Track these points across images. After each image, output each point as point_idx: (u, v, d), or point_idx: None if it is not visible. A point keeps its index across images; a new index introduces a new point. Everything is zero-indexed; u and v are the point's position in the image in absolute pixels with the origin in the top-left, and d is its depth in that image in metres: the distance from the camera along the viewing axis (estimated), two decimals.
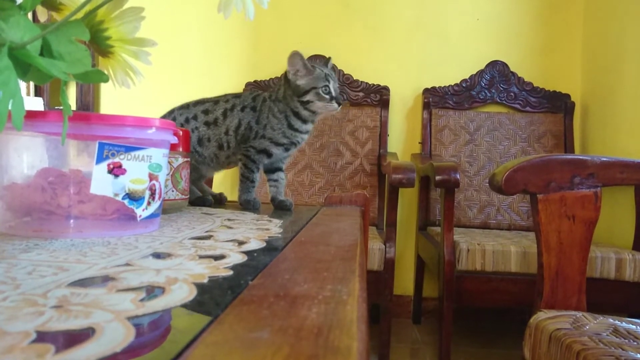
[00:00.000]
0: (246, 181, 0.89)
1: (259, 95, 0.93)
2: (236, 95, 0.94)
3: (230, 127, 0.90)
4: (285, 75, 0.90)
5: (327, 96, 0.88)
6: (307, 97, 0.87)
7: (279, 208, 0.87)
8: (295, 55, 0.88)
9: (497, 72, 2.28)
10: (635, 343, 0.75)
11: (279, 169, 0.94)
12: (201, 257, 0.39)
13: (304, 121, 0.90)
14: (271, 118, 0.90)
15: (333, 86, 0.89)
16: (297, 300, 0.28)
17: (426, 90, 2.27)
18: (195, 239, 0.48)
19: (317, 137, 2.22)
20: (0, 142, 0.48)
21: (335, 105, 0.88)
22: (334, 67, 0.93)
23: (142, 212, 0.50)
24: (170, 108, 0.93)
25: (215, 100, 0.93)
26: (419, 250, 2.16)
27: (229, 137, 0.90)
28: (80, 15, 0.41)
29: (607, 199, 1.94)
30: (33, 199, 0.47)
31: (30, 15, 0.40)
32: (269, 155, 0.90)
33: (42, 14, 0.48)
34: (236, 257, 0.40)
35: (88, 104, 2.36)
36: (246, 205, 0.87)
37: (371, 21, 2.36)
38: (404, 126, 2.36)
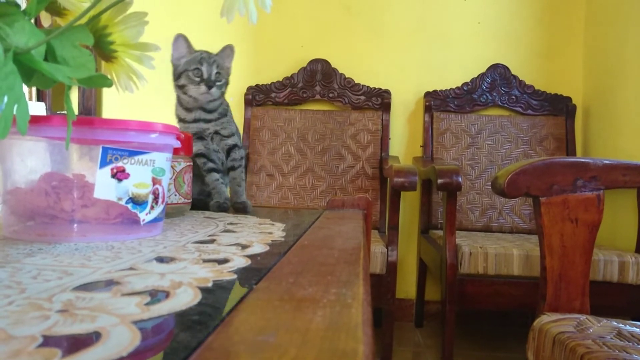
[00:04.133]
0: (206, 187, 0.90)
1: None
2: None
3: None
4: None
5: (197, 79, 0.86)
6: (182, 81, 0.87)
7: (236, 211, 0.86)
8: (177, 39, 0.88)
9: (498, 75, 2.28)
10: (639, 346, 0.75)
11: (231, 169, 0.91)
12: (205, 261, 0.39)
13: (188, 109, 0.89)
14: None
15: (207, 69, 0.86)
16: (302, 303, 0.28)
17: (427, 94, 2.28)
18: (199, 243, 0.48)
19: (318, 140, 2.23)
20: (3, 147, 0.48)
21: (204, 87, 0.86)
22: (229, 53, 0.92)
23: (145, 216, 0.50)
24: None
25: None
26: (421, 254, 2.16)
27: None
28: (84, 20, 0.41)
29: (610, 201, 1.94)
30: (36, 203, 0.47)
31: (32, 20, 0.40)
32: (201, 155, 0.89)
33: (46, 19, 0.48)
34: (240, 261, 0.40)
35: (90, 109, 2.36)
36: (216, 208, 0.85)
37: (372, 25, 2.37)
38: (405, 129, 2.36)
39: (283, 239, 0.53)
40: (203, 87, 0.86)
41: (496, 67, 2.28)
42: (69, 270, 0.34)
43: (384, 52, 2.37)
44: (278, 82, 2.30)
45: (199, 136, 0.89)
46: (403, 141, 2.36)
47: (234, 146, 0.92)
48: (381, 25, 2.37)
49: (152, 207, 0.51)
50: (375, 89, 2.29)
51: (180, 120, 0.90)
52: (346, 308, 0.27)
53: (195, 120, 0.89)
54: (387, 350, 1.66)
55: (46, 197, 0.47)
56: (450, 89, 2.28)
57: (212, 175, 0.88)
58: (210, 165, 0.89)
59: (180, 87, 0.88)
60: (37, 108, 2.06)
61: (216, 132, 0.90)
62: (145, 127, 0.50)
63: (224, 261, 0.39)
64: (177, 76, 0.88)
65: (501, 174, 0.95)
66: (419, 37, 2.36)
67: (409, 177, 1.63)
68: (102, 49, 0.47)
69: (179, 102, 0.90)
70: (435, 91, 2.28)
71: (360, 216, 0.80)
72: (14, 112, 0.33)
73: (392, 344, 1.67)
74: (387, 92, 2.28)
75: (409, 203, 2.31)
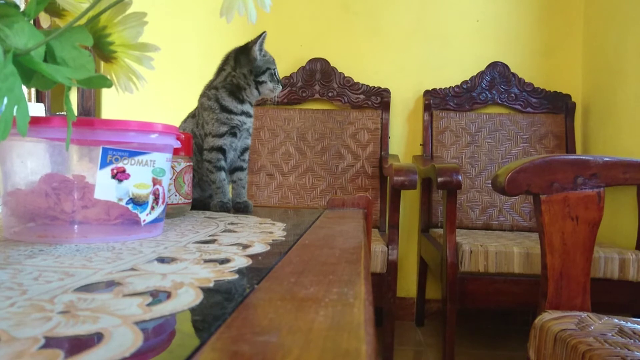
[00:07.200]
0: (211, 184, 0.89)
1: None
2: None
3: None
4: (235, 55, 0.91)
5: (276, 78, 0.93)
6: (263, 78, 0.90)
7: (237, 211, 0.85)
8: (265, 36, 0.92)
9: (497, 73, 2.28)
10: None
11: (238, 169, 0.92)
12: (206, 261, 0.39)
13: (241, 101, 0.90)
14: (203, 113, 0.90)
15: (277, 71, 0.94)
16: (304, 303, 0.28)
17: (427, 92, 2.28)
18: (200, 243, 0.48)
19: (318, 140, 2.23)
20: (4, 148, 0.48)
21: (280, 87, 0.93)
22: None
23: (146, 216, 0.50)
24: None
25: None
26: (421, 252, 2.16)
27: None
28: (83, 21, 0.41)
29: (610, 199, 1.94)
30: (37, 205, 0.47)
31: (31, 21, 0.40)
32: (220, 150, 0.88)
33: (45, 20, 0.48)
34: (241, 261, 0.40)
35: (89, 109, 2.36)
36: (219, 208, 0.85)
37: (371, 24, 2.37)
38: (405, 128, 2.36)
39: (284, 238, 0.53)
40: (280, 87, 0.93)
41: (495, 65, 2.28)
42: (70, 271, 0.34)
43: (383, 50, 2.36)
44: None
45: (233, 131, 0.89)
46: (403, 140, 2.36)
47: (248, 147, 0.93)
48: (380, 23, 2.36)
49: (152, 208, 0.51)
50: (374, 87, 2.29)
51: (226, 110, 0.88)
52: (348, 307, 0.27)
53: (242, 113, 0.90)
54: (388, 350, 1.66)
55: (46, 198, 0.47)
56: (450, 87, 2.28)
57: (220, 174, 0.88)
58: (223, 163, 0.89)
59: (259, 83, 0.90)
60: (37, 109, 2.06)
61: (247, 129, 0.92)
62: (145, 128, 0.50)
63: (225, 261, 0.39)
64: (260, 72, 0.90)
65: (501, 172, 0.95)
66: (418, 36, 2.36)
67: (409, 176, 1.63)
68: (102, 50, 0.47)
69: (237, 93, 0.90)
70: (434, 90, 2.28)
71: (360, 215, 0.80)
72: (14, 114, 0.33)
73: (393, 343, 1.67)
74: (387, 90, 2.28)
75: (409, 202, 2.31)
